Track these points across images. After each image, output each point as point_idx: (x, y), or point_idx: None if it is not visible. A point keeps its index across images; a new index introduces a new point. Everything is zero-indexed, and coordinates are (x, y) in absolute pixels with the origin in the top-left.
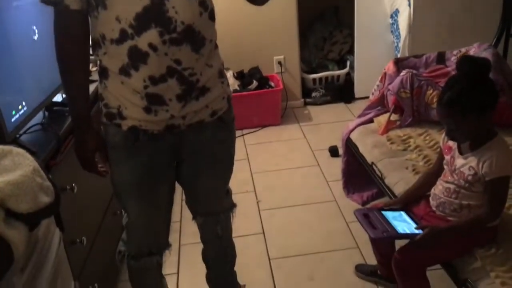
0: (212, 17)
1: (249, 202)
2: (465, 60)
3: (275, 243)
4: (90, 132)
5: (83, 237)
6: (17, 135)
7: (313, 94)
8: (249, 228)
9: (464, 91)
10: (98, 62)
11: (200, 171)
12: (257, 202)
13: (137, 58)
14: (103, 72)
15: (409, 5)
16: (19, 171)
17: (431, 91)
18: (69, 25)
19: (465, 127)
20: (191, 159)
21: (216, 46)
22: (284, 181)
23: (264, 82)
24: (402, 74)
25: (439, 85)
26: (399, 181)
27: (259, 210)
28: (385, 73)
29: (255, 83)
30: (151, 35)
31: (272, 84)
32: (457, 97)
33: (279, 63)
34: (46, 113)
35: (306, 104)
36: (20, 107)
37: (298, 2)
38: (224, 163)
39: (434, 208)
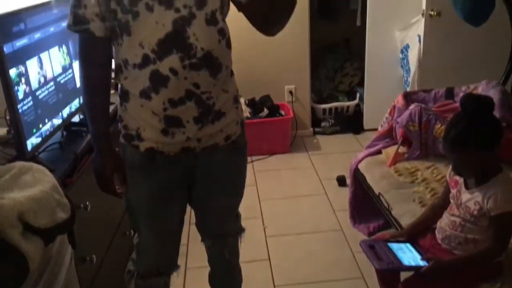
0: (228, 44)
1: (256, 228)
2: (469, 99)
3: (280, 270)
4: (109, 153)
5: (93, 256)
6: (36, 153)
7: (323, 124)
8: (255, 254)
9: (467, 129)
10: (120, 85)
11: (212, 193)
12: (264, 229)
13: (158, 81)
14: (124, 95)
15: (419, 41)
16: (38, 187)
17: (439, 125)
18: (93, 51)
19: (470, 163)
20: (203, 181)
21: (232, 73)
22: (291, 208)
23: (274, 110)
24: (411, 107)
25: (447, 119)
26: (406, 213)
27: (265, 237)
28: (394, 106)
29: (266, 111)
30: (173, 60)
31: (283, 112)
32: (461, 135)
33: (290, 92)
34: (65, 133)
35: (315, 133)
36: (41, 125)
37: (310, 34)
38: (235, 186)
39: (439, 241)
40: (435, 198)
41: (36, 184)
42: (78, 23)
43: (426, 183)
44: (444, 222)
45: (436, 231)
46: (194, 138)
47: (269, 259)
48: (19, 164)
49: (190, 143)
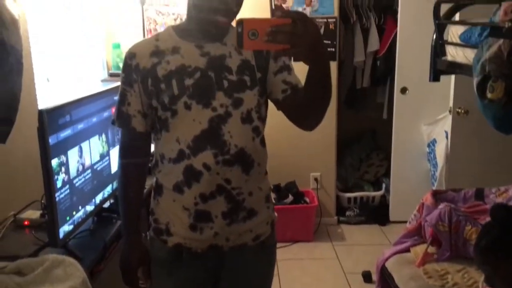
0: (263, 142)
1: None
2: (498, 209)
3: None
4: (137, 246)
5: None
6: (67, 240)
7: (348, 213)
8: None
9: (498, 240)
10: (155, 179)
11: None
12: None
13: (191, 176)
14: (158, 189)
15: (447, 137)
16: (69, 282)
17: (469, 227)
18: (133, 145)
19: (503, 274)
20: (229, 279)
21: (266, 172)
22: None
23: (299, 197)
24: (440, 207)
25: (478, 221)
26: None
27: None
28: (422, 204)
29: (290, 197)
30: (206, 156)
31: (307, 199)
32: (492, 246)
33: (316, 179)
34: (95, 218)
35: (339, 222)
36: (74, 213)
37: (337, 123)
38: (260, 287)
39: None
40: None
41: (67, 280)
42: (121, 119)
43: None
44: None
45: None
46: (223, 235)
47: None
48: (51, 257)
49: (218, 241)
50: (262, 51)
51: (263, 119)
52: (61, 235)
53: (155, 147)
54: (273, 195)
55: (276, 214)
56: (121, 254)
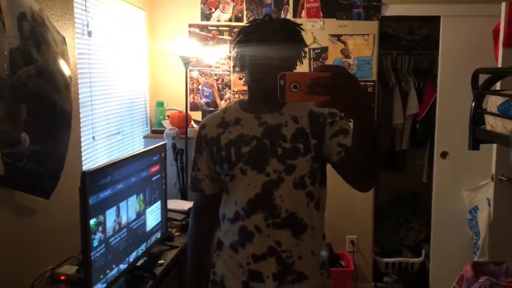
0: (318, 207)
1: None
2: None
3: None
4: None
5: None
6: None
7: (385, 279)
8: None
9: None
10: (217, 236)
11: None
12: None
13: (244, 236)
14: (219, 245)
15: (489, 204)
16: None
17: None
18: (203, 207)
19: None
20: None
21: (323, 237)
22: None
23: (335, 260)
24: (480, 280)
25: None
26: None
27: None
28: (462, 276)
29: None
30: (258, 218)
31: (343, 263)
32: None
33: (352, 242)
34: (128, 276)
35: None
36: (108, 271)
37: (376, 185)
38: None
39: None
40: None
41: None
42: (193, 182)
43: None
44: None
45: None
46: None
47: None
48: None
49: None
50: (318, 118)
51: (319, 184)
52: None
53: (220, 208)
54: None
55: (331, 281)
56: None
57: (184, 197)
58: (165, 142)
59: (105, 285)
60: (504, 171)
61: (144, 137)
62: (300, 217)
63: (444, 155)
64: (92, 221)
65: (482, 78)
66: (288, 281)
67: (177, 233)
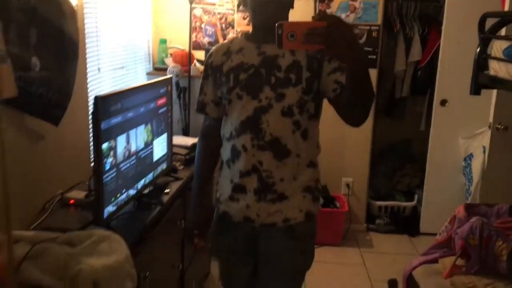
0: (305, 136)
1: None
2: None
3: None
4: (196, 210)
5: None
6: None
7: (377, 221)
8: None
9: None
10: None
11: (268, 273)
12: None
13: (235, 154)
14: (221, 164)
15: (484, 151)
16: (114, 257)
17: (500, 242)
18: (208, 128)
19: None
20: (262, 260)
21: (311, 165)
22: None
23: (330, 201)
24: (472, 220)
25: (510, 237)
26: None
27: None
28: (454, 216)
29: (321, 200)
30: (245, 139)
31: (338, 204)
32: None
33: (347, 185)
34: (136, 203)
35: (368, 229)
36: (118, 195)
37: (373, 130)
38: (290, 272)
39: None
40: None
41: (112, 254)
42: (199, 106)
43: None
44: None
45: None
46: (253, 210)
47: None
48: (98, 232)
49: (250, 214)
50: (315, 53)
51: (309, 116)
52: (105, 214)
53: (221, 129)
54: None
55: (318, 204)
56: (189, 213)
57: (186, 134)
58: (171, 76)
59: (115, 207)
60: (501, 120)
61: (147, 73)
62: (283, 142)
63: (443, 102)
64: (104, 145)
65: (489, 24)
66: (268, 200)
67: (181, 167)
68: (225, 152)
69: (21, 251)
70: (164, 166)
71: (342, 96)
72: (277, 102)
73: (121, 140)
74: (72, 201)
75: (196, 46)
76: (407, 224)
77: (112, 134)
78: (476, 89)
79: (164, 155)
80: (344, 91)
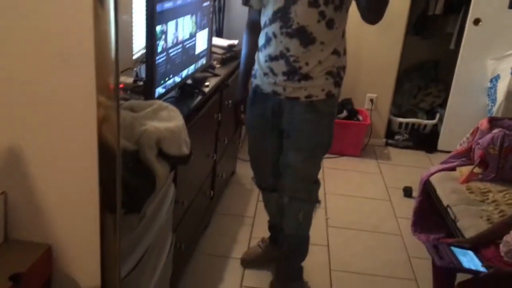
0: (331, 26)
1: (319, 217)
2: None
3: (337, 258)
4: (241, 89)
5: (184, 200)
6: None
7: (396, 137)
8: (315, 239)
9: None
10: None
11: (289, 145)
12: (326, 219)
13: (267, 40)
14: (260, 47)
15: (511, 73)
16: (173, 122)
17: None
18: (253, 19)
19: None
20: (285, 135)
21: (336, 52)
22: (354, 206)
23: (353, 114)
24: (494, 131)
25: None
26: (471, 226)
27: (326, 226)
28: (477, 128)
29: (345, 113)
30: (276, 26)
31: (360, 118)
32: None
33: (371, 100)
34: (179, 91)
35: (387, 144)
36: (167, 79)
37: (402, 48)
38: (308, 144)
39: (503, 254)
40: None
41: (171, 120)
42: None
43: (496, 205)
44: (511, 237)
45: (501, 245)
46: (281, 85)
47: (328, 245)
48: (158, 102)
49: (278, 88)
50: None
51: (335, 7)
52: (156, 94)
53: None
54: None
55: (339, 90)
56: (236, 94)
57: (219, 36)
58: None
59: (164, 90)
60: None
61: None
62: (309, 31)
63: (476, 22)
64: (157, 28)
65: None
66: (295, 79)
67: (218, 65)
68: (261, 38)
69: None
70: (204, 61)
71: None
72: None
73: (171, 26)
74: (121, 85)
75: None
76: (425, 141)
77: (164, 18)
78: None
79: (204, 50)
80: None
